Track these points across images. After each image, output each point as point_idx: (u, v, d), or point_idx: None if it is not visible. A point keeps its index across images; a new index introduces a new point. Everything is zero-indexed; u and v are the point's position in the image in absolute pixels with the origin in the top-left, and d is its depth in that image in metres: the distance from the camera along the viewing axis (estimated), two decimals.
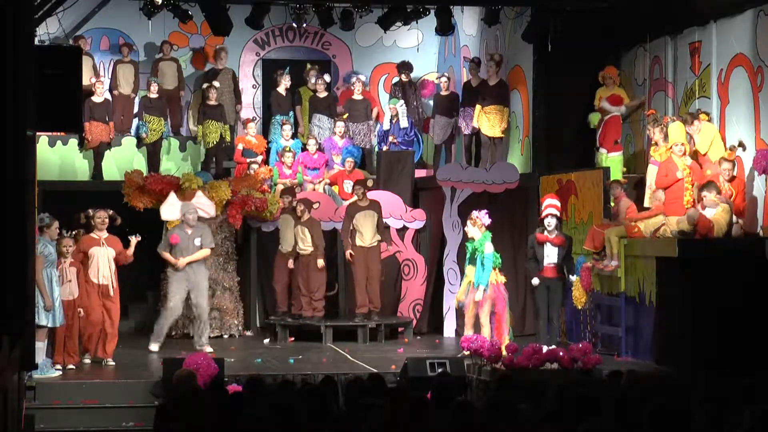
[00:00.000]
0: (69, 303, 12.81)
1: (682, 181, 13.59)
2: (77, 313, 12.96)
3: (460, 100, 18.10)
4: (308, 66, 18.91)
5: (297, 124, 18.37)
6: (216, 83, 18.04)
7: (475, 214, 14.09)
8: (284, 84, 18.33)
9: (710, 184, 13.13)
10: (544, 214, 13.71)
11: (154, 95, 17.82)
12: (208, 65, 19.03)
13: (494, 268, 13.90)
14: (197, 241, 14.35)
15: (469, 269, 14.08)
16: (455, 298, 14.61)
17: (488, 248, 13.86)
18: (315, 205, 15.73)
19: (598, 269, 14.15)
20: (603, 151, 15.66)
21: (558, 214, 13.81)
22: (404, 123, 17.55)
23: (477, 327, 13.91)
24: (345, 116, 18.25)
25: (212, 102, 17.78)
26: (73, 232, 13.25)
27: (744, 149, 13.36)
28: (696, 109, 14.11)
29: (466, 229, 14.20)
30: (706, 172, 13.65)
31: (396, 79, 18.94)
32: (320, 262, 15.40)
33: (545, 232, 13.57)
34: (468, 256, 14.14)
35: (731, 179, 13.30)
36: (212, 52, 18.91)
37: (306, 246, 15.45)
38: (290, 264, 15.52)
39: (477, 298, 13.82)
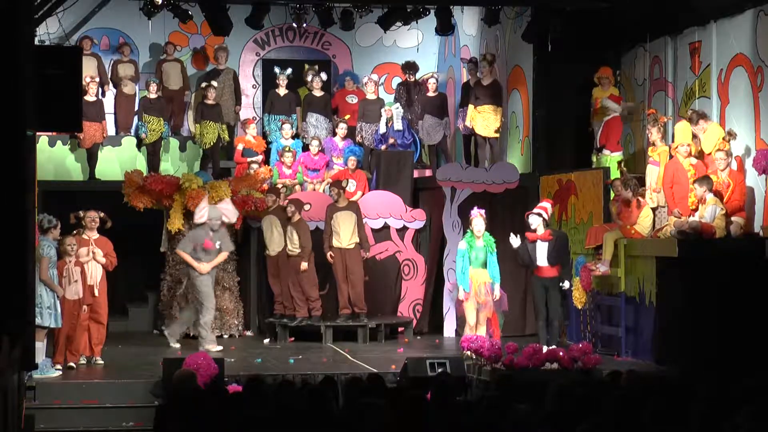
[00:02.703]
0: (74, 302, 12.81)
1: (687, 181, 13.60)
2: (82, 312, 12.96)
3: (459, 101, 18.10)
4: (306, 66, 18.91)
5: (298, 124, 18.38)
6: (214, 82, 18.03)
7: (476, 210, 14.11)
8: (282, 84, 18.34)
9: (703, 179, 13.14)
10: (530, 211, 13.80)
11: (153, 95, 17.81)
12: (210, 65, 19.03)
13: None
14: (218, 245, 14.56)
15: (474, 271, 13.98)
16: (474, 300, 14.01)
17: (494, 246, 13.96)
18: (306, 207, 15.72)
19: (590, 269, 14.19)
20: (606, 152, 15.66)
21: (542, 213, 13.76)
22: (398, 125, 17.53)
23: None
24: (347, 117, 18.24)
25: (210, 101, 17.78)
26: (74, 231, 13.25)
27: (734, 138, 13.37)
28: (691, 110, 14.08)
29: (473, 227, 14.08)
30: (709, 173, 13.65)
31: (397, 80, 18.94)
32: (303, 265, 15.36)
33: (532, 231, 13.67)
34: (468, 257, 14.03)
35: (725, 168, 13.26)
36: (212, 52, 18.92)
37: (294, 247, 15.44)
38: (303, 267, 15.44)
39: (498, 294, 13.93)
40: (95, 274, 13.25)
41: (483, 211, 14.18)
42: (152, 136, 17.59)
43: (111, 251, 13.43)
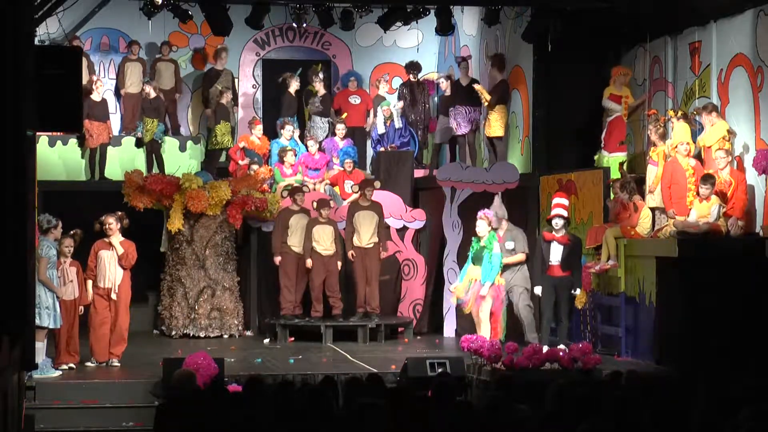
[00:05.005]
0: (70, 303, 12.82)
1: (686, 181, 13.59)
2: (78, 313, 12.96)
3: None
4: (317, 66, 18.88)
5: (305, 124, 18.40)
6: (225, 85, 18.17)
7: (483, 212, 14.13)
8: (294, 86, 18.35)
9: (707, 177, 13.14)
10: (552, 213, 13.73)
11: (151, 96, 17.83)
12: (208, 65, 19.05)
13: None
14: (509, 245, 14.49)
15: (471, 268, 14.06)
16: (454, 295, 14.54)
17: (497, 248, 13.92)
18: (331, 203, 15.77)
19: (593, 271, 14.17)
20: (605, 153, 15.64)
21: (566, 214, 13.79)
22: (398, 124, 17.57)
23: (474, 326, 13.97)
24: (344, 116, 18.25)
25: (225, 102, 17.98)
26: (71, 232, 13.22)
27: (734, 136, 13.38)
28: (706, 103, 14.03)
29: (476, 228, 14.14)
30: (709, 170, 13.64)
31: (398, 80, 18.94)
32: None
33: (552, 231, 13.62)
34: (472, 254, 14.11)
35: (725, 167, 13.25)
36: (212, 52, 18.93)
37: (328, 247, 15.42)
38: (309, 264, 15.46)
39: (483, 292, 13.83)
40: (114, 277, 13.22)
41: (489, 213, 14.14)
42: (147, 136, 17.63)
43: (125, 250, 13.33)
